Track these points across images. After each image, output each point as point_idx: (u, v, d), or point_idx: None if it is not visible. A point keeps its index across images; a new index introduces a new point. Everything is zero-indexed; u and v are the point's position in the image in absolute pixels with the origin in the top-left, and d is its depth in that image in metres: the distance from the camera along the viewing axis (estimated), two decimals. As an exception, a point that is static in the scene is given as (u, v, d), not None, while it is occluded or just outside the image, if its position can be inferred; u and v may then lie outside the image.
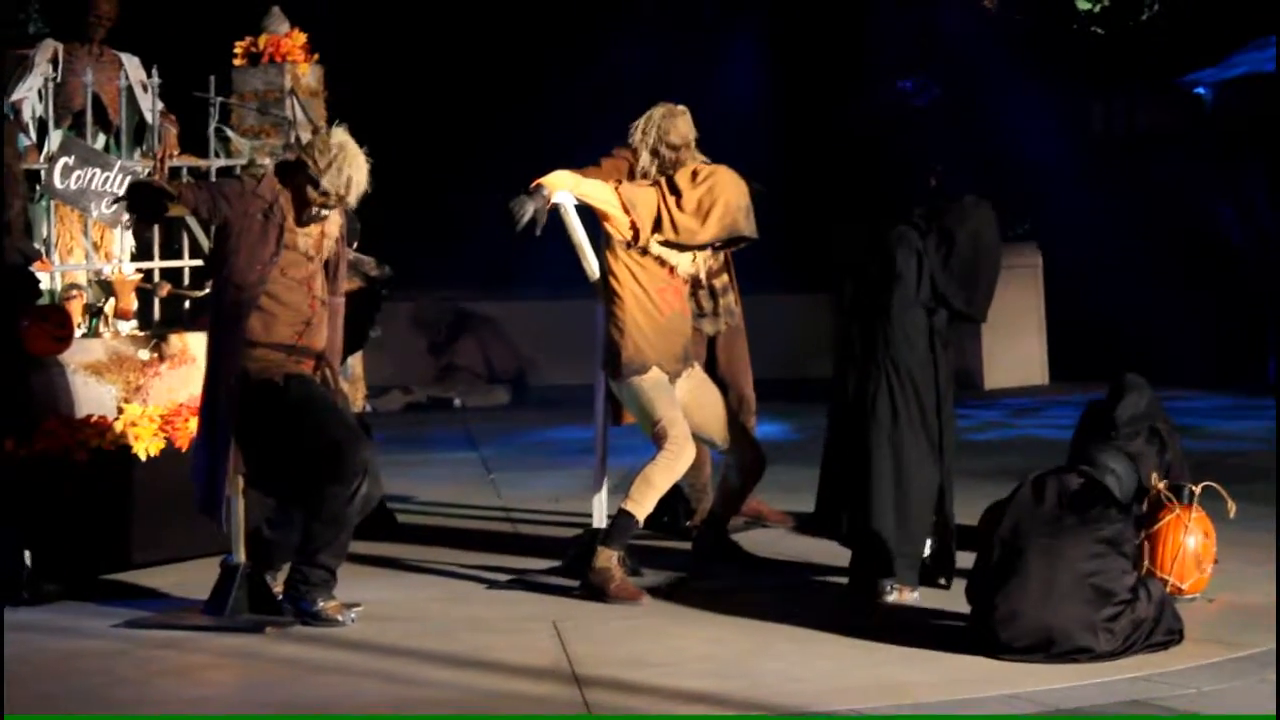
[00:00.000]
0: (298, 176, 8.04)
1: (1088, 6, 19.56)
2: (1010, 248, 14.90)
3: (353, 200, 8.08)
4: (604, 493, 8.88)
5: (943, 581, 8.31)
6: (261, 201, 8.01)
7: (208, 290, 9.39)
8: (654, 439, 8.57)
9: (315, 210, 8.04)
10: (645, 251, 8.61)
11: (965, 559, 7.76)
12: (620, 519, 8.51)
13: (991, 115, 18.58)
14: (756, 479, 9.01)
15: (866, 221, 8.52)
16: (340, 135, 8.08)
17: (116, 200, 9.01)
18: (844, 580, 8.36)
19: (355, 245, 9.45)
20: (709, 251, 8.88)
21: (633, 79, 17.91)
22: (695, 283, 9.02)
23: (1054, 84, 18.81)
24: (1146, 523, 8.06)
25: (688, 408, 8.68)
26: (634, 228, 8.57)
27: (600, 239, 8.76)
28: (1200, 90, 17.83)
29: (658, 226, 8.56)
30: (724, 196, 8.56)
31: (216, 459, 8.01)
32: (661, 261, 8.62)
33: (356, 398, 10.04)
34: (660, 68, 17.95)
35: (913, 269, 8.23)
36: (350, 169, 8.00)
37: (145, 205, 8.05)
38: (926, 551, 8.32)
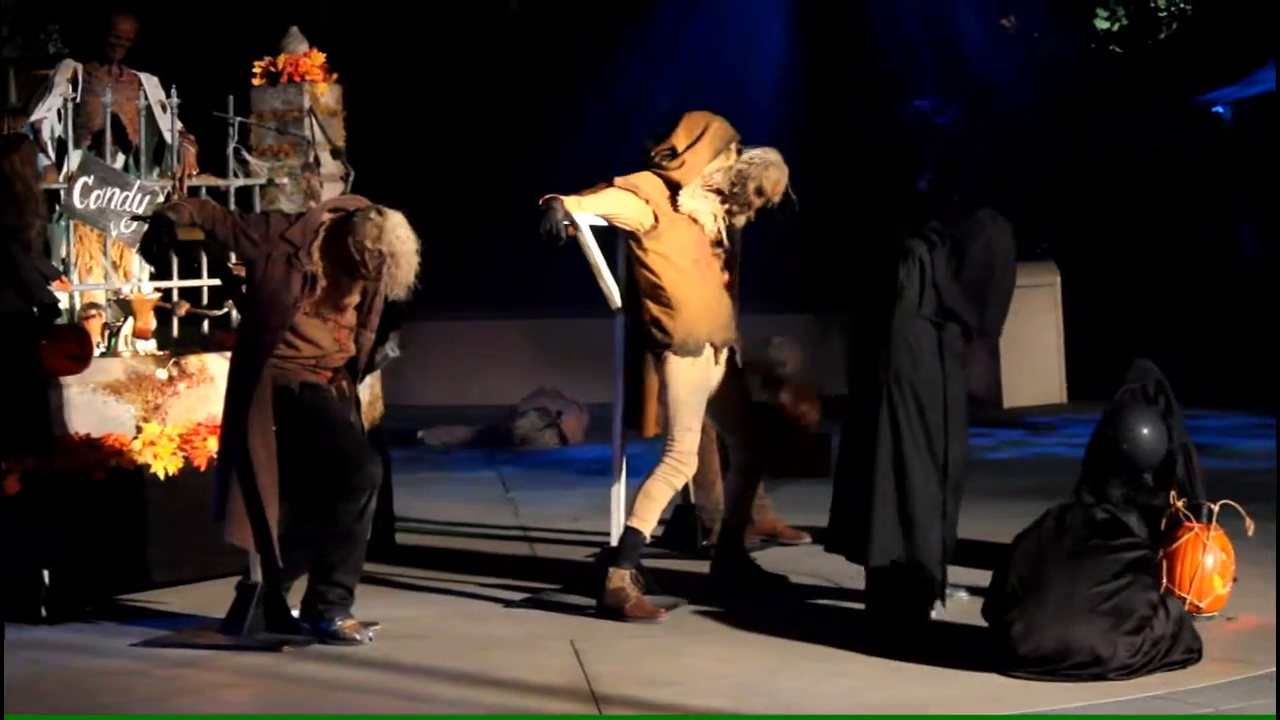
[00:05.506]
0: (345, 231, 7.91)
1: (1106, 25, 19.57)
2: (1028, 266, 14.85)
3: (381, 275, 7.87)
4: (621, 512, 8.87)
5: (939, 603, 8.19)
6: (288, 246, 7.95)
7: (226, 309, 9.45)
8: (664, 440, 8.61)
9: (351, 270, 7.92)
10: (676, 209, 8.59)
11: (983, 577, 7.73)
12: (627, 537, 8.53)
13: (1009, 133, 18.59)
14: (757, 480, 9.03)
15: (879, 233, 8.43)
16: (397, 216, 7.91)
17: (134, 219, 9.06)
18: (860, 601, 8.34)
19: None
20: (727, 210, 8.78)
21: (659, 97, 17.98)
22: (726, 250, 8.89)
23: (1072, 102, 18.82)
24: (1165, 541, 8.06)
25: (713, 389, 8.67)
26: (648, 204, 8.57)
27: (623, 250, 8.76)
28: (1219, 109, 17.83)
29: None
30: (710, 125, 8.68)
31: (262, 510, 7.88)
32: (693, 220, 8.61)
33: (375, 416, 10.04)
34: (683, 88, 17.98)
35: (915, 281, 8.08)
36: (393, 241, 7.83)
37: (151, 247, 8.08)
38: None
